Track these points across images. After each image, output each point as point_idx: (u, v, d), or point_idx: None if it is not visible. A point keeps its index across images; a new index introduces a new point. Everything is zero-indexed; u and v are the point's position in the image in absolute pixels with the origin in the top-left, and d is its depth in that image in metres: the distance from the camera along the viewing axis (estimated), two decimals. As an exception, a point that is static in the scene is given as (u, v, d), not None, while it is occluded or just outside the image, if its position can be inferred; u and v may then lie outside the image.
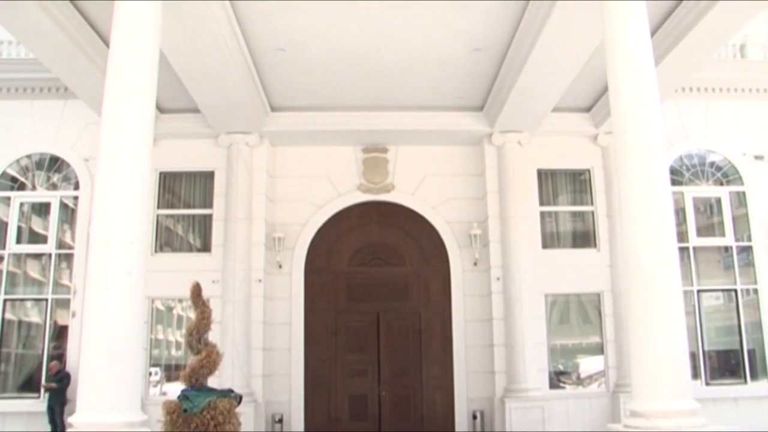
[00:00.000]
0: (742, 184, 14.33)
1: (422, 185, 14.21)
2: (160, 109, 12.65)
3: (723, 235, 14.15)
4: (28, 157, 13.90)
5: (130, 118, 7.21)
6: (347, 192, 14.18)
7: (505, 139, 13.59)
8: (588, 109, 13.71)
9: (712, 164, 14.48)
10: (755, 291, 13.94)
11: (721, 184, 14.40)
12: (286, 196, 14.09)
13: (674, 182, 13.19)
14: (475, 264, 13.82)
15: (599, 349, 13.69)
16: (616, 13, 7.73)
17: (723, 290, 14.08)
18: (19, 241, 13.58)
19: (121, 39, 7.42)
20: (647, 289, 7.00)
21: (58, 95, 13.69)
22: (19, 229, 13.64)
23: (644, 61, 7.56)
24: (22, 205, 13.72)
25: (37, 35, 9.68)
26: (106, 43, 9.31)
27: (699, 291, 13.91)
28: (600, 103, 13.04)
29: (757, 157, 14.33)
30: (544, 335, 13.45)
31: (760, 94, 14.58)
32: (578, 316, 14.02)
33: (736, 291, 13.95)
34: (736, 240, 14.15)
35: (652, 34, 8.98)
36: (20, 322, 13.52)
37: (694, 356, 13.05)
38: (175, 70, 10.56)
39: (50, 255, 13.58)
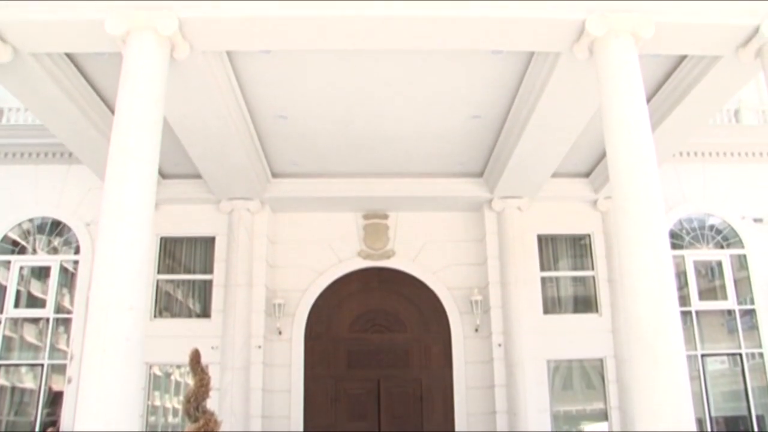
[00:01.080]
0: (743, 247, 14.31)
1: (423, 251, 14.22)
2: (163, 174, 12.79)
3: (725, 298, 14.06)
4: (30, 220, 13.94)
5: (132, 184, 7.27)
6: (348, 258, 14.19)
7: (505, 204, 13.68)
8: (587, 175, 13.83)
9: (711, 227, 14.50)
10: (760, 355, 13.73)
11: (722, 247, 14.39)
12: (287, 262, 14.09)
13: (674, 246, 13.19)
14: (477, 330, 13.70)
15: (603, 416, 13.42)
16: (612, 81, 7.89)
17: (728, 354, 13.88)
18: (17, 305, 13.49)
19: (126, 106, 7.55)
20: (650, 355, 6.90)
21: (62, 160, 13.83)
22: (18, 292, 13.56)
23: (641, 127, 7.67)
24: (21, 268, 13.68)
25: (44, 102, 9.86)
26: (111, 110, 9.52)
27: (703, 355, 13.71)
28: (599, 169, 13.16)
29: (756, 220, 14.36)
30: (547, 402, 13.20)
31: (756, 158, 14.74)
32: (581, 382, 13.80)
33: (741, 355, 13.75)
34: (739, 303, 14.04)
35: (648, 100, 9.16)
36: (14, 388, 13.29)
37: (700, 422, 12.79)
38: (178, 136, 10.71)
39: (48, 319, 13.47)
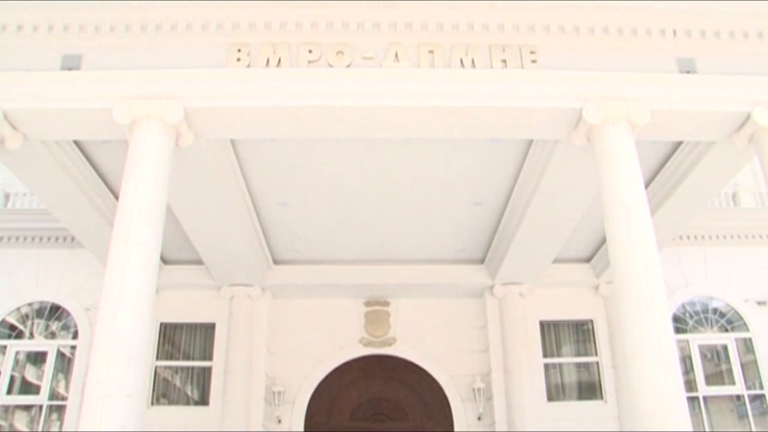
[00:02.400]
0: (748, 330, 14.14)
1: (424, 338, 14.09)
2: (164, 260, 12.82)
3: (733, 383, 13.77)
4: (29, 305, 13.86)
5: (134, 269, 7.26)
6: (349, 345, 14.04)
7: (507, 291, 13.64)
8: (588, 260, 13.84)
9: (715, 311, 14.38)
10: (773, 442, 13.37)
11: (726, 330, 14.22)
12: (287, 349, 13.93)
13: (678, 330, 13.06)
14: (479, 419, 13.41)
15: (611, 508, 12.96)
16: (610, 167, 7.99)
17: (740, 442, 13.51)
18: (9, 391, 13.22)
19: (131, 192, 7.62)
20: (659, 444, 6.72)
21: (65, 245, 13.89)
22: (12, 378, 13.32)
23: (640, 212, 7.71)
24: (17, 353, 13.49)
25: (50, 187, 9.99)
26: (115, 196, 9.64)
27: (714, 443, 13.35)
28: (600, 254, 13.19)
29: (759, 303, 14.26)
30: (553, 493, 12.78)
31: (756, 240, 14.76)
32: (588, 472, 13.37)
33: (753, 442, 13.38)
34: (747, 388, 13.74)
35: (647, 185, 9.29)
36: (2, 482, 12.89)
37: None
38: (181, 222, 10.79)
39: (41, 406, 13.17)
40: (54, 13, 8.25)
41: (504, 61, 8.34)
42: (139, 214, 7.53)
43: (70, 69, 8.25)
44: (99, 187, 10.43)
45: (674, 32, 8.60)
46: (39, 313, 13.86)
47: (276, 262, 13.44)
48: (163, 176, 7.89)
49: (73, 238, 12.99)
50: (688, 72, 8.58)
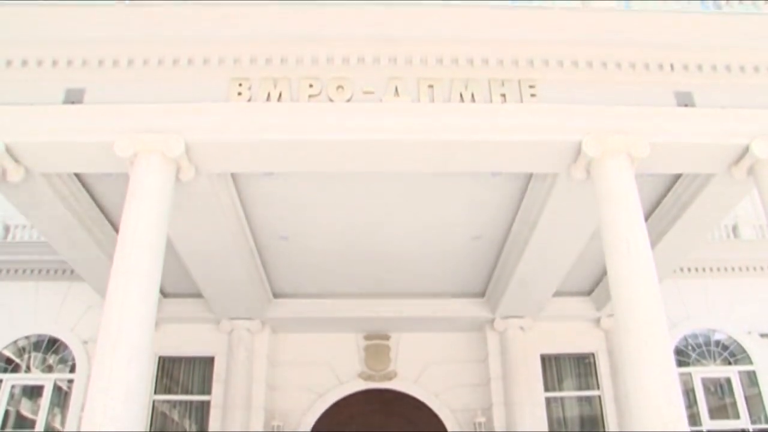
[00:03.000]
0: (751, 363, 14.03)
1: (425, 372, 13.98)
2: (163, 293, 12.77)
3: (737, 417, 13.61)
4: (27, 338, 13.78)
5: (133, 302, 7.23)
6: (349, 380, 13.93)
7: (507, 324, 13.57)
8: (589, 293, 13.80)
9: (717, 343, 14.29)
10: (781, 479, 13.18)
11: (729, 363, 14.11)
12: (286, 383, 13.81)
13: (681, 363, 12.97)
14: (481, 453, 13.23)
15: None
16: (610, 200, 8.02)
17: (747, 477, 13.32)
18: (4, 426, 13.05)
19: (131, 225, 7.63)
20: (664, 481, 6.63)
21: (64, 277, 13.85)
22: (6, 412, 13.16)
23: (640, 245, 7.71)
24: (13, 387, 13.37)
25: (50, 220, 9.97)
26: (115, 228, 9.64)
27: (721, 479, 13.16)
28: (601, 287, 13.15)
29: (763, 335, 14.17)
30: None
31: (757, 272, 14.74)
32: None
33: (760, 478, 13.19)
34: (752, 422, 13.57)
35: (647, 218, 9.29)
36: None
37: None
38: (180, 254, 10.78)
39: (37, 442, 13.02)
40: (58, 49, 8.35)
41: (503, 95, 8.42)
42: (139, 247, 7.53)
43: (72, 103, 8.32)
44: (99, 220, 10.44)
45: (672, 66, 8.70)
46: (36, 346, 13.77)
47: (276, 295, 13.39)
48: (164, 210, 7.91)
49: (72, 271, 12.93)
50: (686, 105, 8.66)
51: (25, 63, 8.39)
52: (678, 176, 9.86)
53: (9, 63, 8.40)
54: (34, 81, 8.40)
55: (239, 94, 8.29)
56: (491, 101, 8.38)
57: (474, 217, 10.58)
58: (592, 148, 8.14)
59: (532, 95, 8.44)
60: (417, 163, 8.55)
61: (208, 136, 8.11)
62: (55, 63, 8.39)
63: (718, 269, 14.71)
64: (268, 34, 8.32)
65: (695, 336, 14.31)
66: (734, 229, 15.03)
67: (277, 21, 8.28)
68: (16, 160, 8.35)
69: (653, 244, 8.71)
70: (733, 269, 14.74)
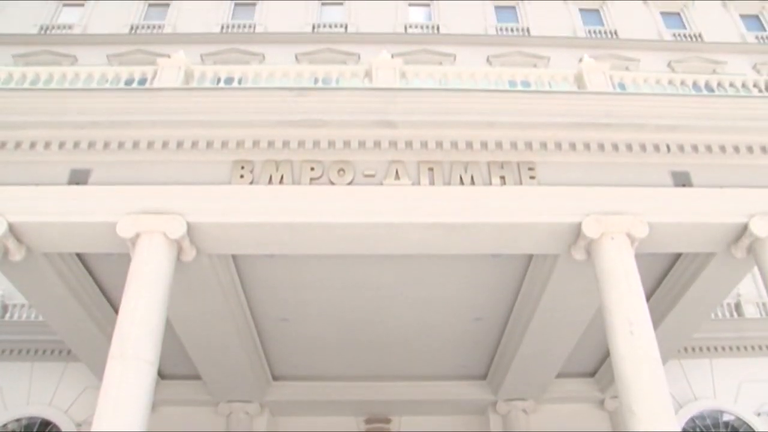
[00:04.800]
0: (762, 445, 13.69)
1: (427, 456, 13.63)
2: (161, 374, 12.57)
3: (749, 500, 13.20)
4: (17, 420, 13.43)
5: (130, 384, 7.13)
6: (350, 464, 13.58)
7: (510, 407, 13.35)
8: (592, 374, 13.58)
9: (726, 425, 13.95)
10: None
11: (740, 446, 13.78)
12: (286, 467, 13.46)
13: (689, 446, 12.65)
14: None
15: None
16: (610, 280, 8.01)
17: None
18: None
19: (131, 306, 7.60)
20: None
21: (60, 358, 13.66)
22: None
23: (642, 325, 7.67)
24: (-1, 474, 12.97)
25: (50, 299, 9.95)
26: (115, 309, 9.57)
27: None
28: (604, 368, 12.95)
29: (771, 416, 13.87)
30: None
31: (763, 351, 14.53)
32: None
33: None
34: (764, 506, 13.16)
35: (648, 297, 9.24)
36: None
37: None
38: (179, 335, 10.68)
39: None
40: (66, 131, 8.54)
41: (503, 177, 8.55)
42: (138, 329, 7.48)
43: (77, 183, 8.46)
44: (99, 300, 10.39)
45: (668, 147, 8.86)
46: (27, 428, 13.43)
47: (275, 377, 13.19)
48: (164, 291, 7.89)
49: (69, 351, 12.77)
50: (683, 185, 8.77)
51: (33, 145, 8.57)
52: (678, 255, 9.86)
53: (18, 145, 8.57)
54: (40, 162, 8.56)
55: (242, 176, 8.42)
56: (491, 183, 8.50)
57: (475, 298, 10.54)
58: (591, 229, 8.19)
59: (532, 177, 8.57)
60: (418, 245, 8.59)
61: (211, 218, 8.18)
62: (62, 145, 8.57)
63: (723, 348, 14.52)
64: (271, 119, 8.51)
65: (703, 417, 14.00)
66: (737, 307, 14.91)
67: (280, 105, 8.48)
68: (19, 240, 8.39)
69: (656, 324, 8.66)
70: (738, 348, 14.56)
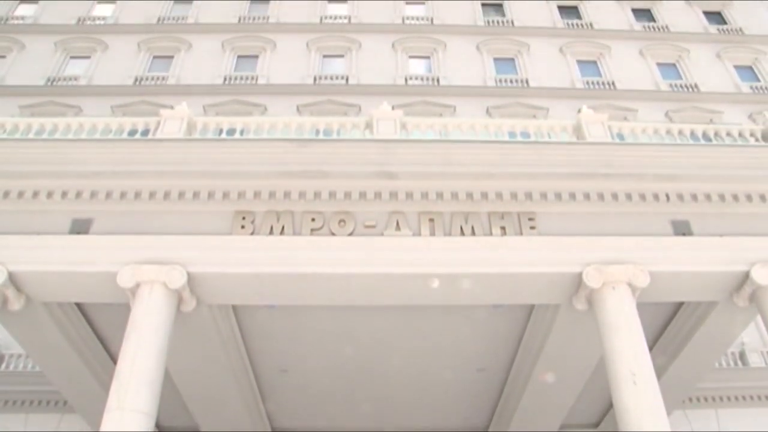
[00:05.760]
0: (770, 496, 13.36)
1: None
2: (159, 426, 12.36)
3: None
4: (5, 479, 13.16)
5: (128, 437, 7.04)
6: None
7: (512, 461, 13.06)
8: (596, 425, 13.34)
9: (735, 477, 13.67)
10: None
11: (748, 498, 13.44)
12: None
13: (698, 501, 12.37)
14: None
15: None
16: (612, 330, 7.98)
17: None
18: None
19: (130, 356, 7.55)
20: None
21: (56, 409, 13.43)
22: None
23: (645, 375, 7.62)
24: None
25: (47, 349, 9.86)
26: (113, 359, 9.49)
27: None
28: (608, 419, 12.74)
29: (780, 468, 13.58)
30: None
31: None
32: None
33: None
34: None
35: (651, 347, 9.18)
36: None
37: None
38: (178, 386, 10.55)
39: None
40: (69, 181, 8.62)
41: (503, 227, 8.58)
42: (137, 380, 7.41)
43: (78, 233, 8.50)
44: (97, 350, 10.30)
45: (667, 196, 8.92)
46: (15, 485, 13.13)
47: (275, 429, 12.97)
48: (163, 342, 7.84)
49: (64, 402, 12.59)
50: (683, 234, 8.80)
51: (35, 194, 8.62)
52: (681, 304, 9.83)
53: (21, 194, 8.63)
54: (42, 211, 8.61)
55: (242, 227, 8.46)
56: (491, 234, 8.54)
57: (476, 349, 10.46)
58: (592, 279, 8.19)
59: (532, 228, 8.60)
60: (418, 296, 8.58)
61: (211, 269, 8.19)
62: (64, 194, 8.63)
63: (729, 398, 14.31)
64: (273, 170, 8.60)
65: (710, 469, 13.74)
66: (741, 356, 14.76)
67: (282, 157, 8.57)
68: (18, 289, 8.38)
69: (659, 374, 8.58)
70: (744, 398, 14.35)
